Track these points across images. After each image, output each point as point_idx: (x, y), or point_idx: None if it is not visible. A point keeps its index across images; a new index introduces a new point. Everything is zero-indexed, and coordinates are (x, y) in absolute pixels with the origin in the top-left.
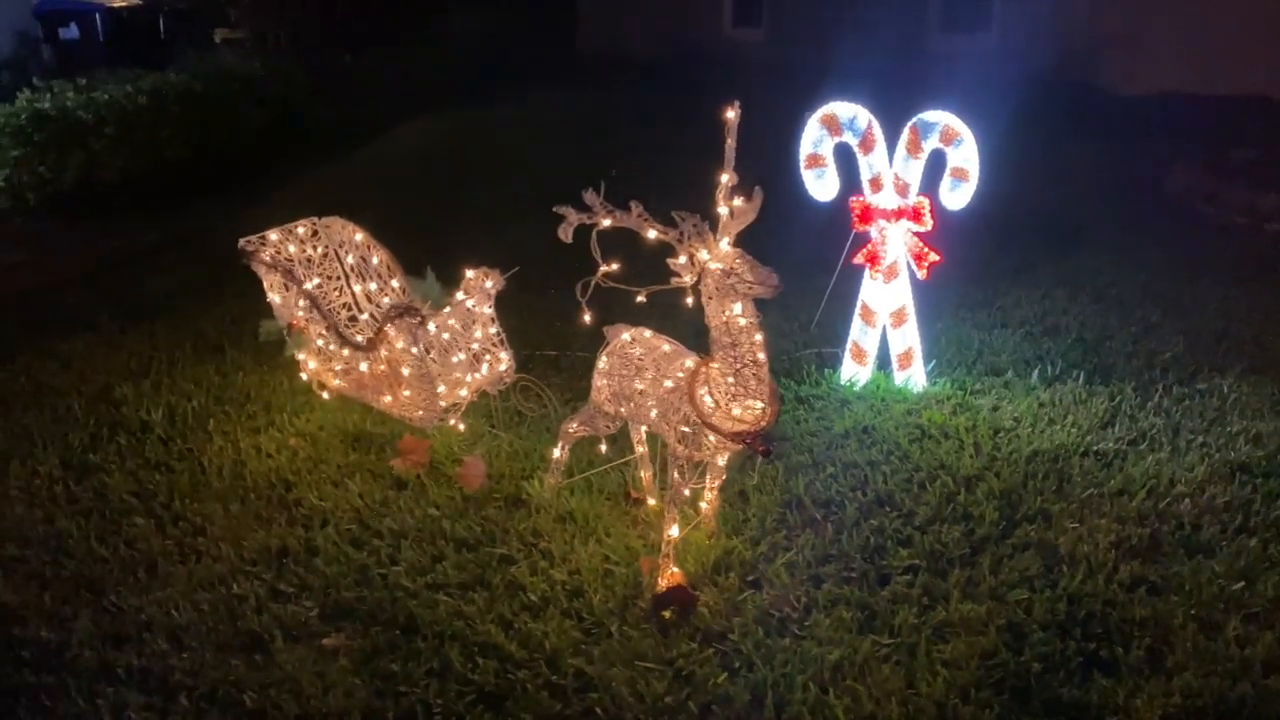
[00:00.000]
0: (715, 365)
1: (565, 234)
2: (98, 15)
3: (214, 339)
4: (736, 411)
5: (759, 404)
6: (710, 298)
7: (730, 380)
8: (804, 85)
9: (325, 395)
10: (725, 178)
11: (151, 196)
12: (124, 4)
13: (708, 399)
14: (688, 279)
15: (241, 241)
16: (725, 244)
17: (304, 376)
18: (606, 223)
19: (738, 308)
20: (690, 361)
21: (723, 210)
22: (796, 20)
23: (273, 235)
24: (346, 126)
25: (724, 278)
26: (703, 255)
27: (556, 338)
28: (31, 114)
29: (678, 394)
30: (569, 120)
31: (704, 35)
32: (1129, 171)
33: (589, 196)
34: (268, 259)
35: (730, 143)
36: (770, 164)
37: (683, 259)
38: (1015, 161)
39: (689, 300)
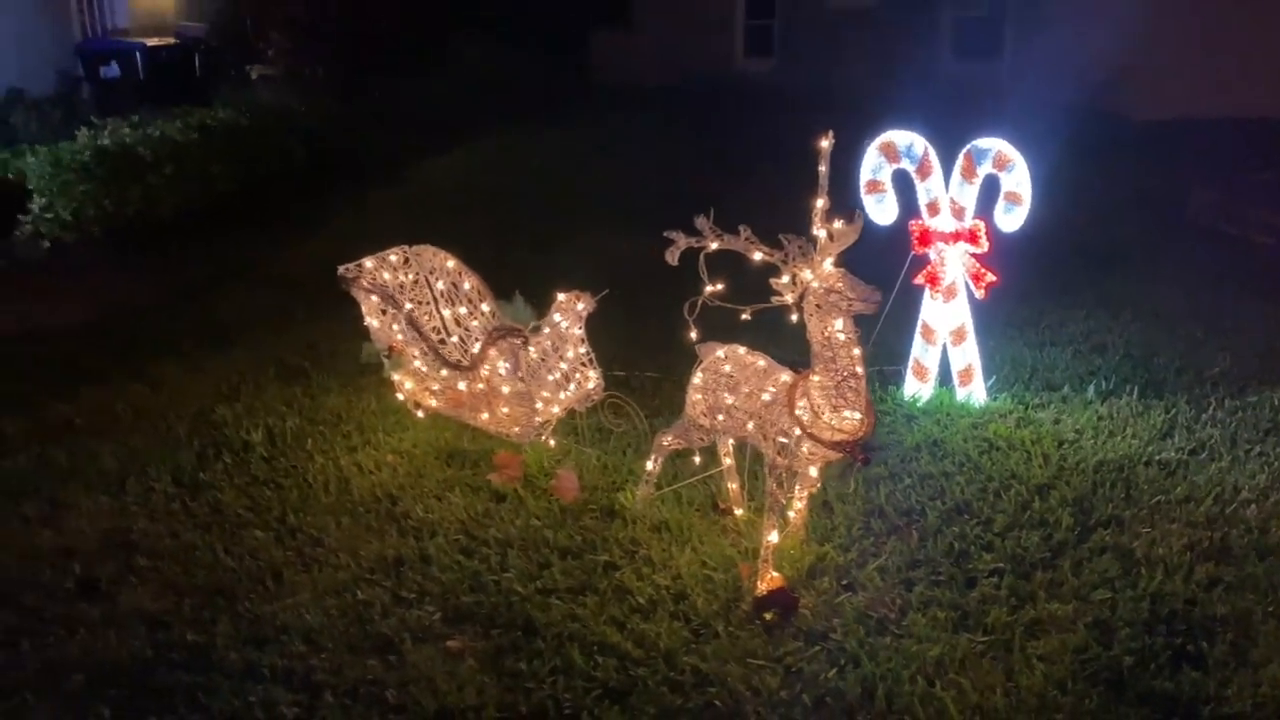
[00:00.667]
0: (814, 378)
1: (672, 257)
2: (138, 53)
3: (294, 363)
4: (835, 422)
5: (857, 414)
6: (812, 314)
7: (830, 392)
8: (816, 113)
9: (420, 414)
10: (821, 202)
11: (204, 228)
12: (161, 43)
13: (807, 411)
14: (789, 297)
15: (341, 269)
16: (828, 264)
17: (400, 396)
18: (714, 246)
19: (839, 324)
20: (785, 376)
21: (819, 232)
22: (807, 49)
23: (368, 263)
24: (382, 156)
25: (827, 295)
26: (806, 274)
27: (630, 356)
28: (94, 150)
29: (776, 406)
30: (594, 147)
31: (715, 65)
32: (1151, 194)
33: (700, 222)
34: (367, 285)
35: (823, 169)
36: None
37: (786, 278)
38: (1041, 185)
39: (793, 318)
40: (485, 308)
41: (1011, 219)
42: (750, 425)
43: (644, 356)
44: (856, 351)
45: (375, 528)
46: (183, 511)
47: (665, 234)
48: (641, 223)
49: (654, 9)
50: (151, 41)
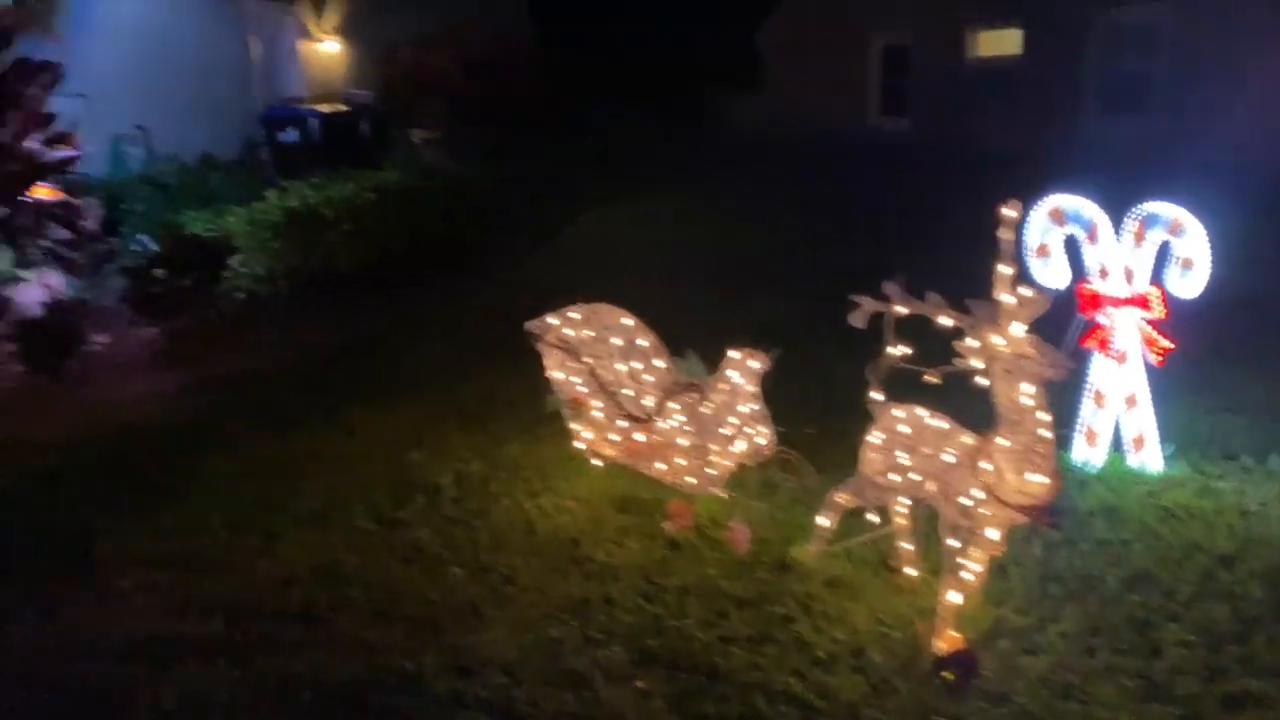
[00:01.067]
0: (1000, 441)
1: (859, 320)
2: (314, 120)
3: (473, 411)
4: (1021, 486)
5: (1045, 479)
6: (999, 378)
7: (1016, 456)
8: (957, 173)
9: (599, 463)
10: (1008, 270)
11: (379, 281)
12: (333, 109)
13: (992, 474)
14: (977, 361)
15: (527, 325)
16: (1018, 329)
17: (578, 445)
18: (904, 311)
19: (1028, 388)
20: (968, 438)
21: (1006, 298)
22: (945, 106)
23: (552, 319)
24: (532, 216)
25: (1016, 360)
26: (996, 339)
27: (789, 413)
28: (284, 210)
29: (960, 469)
30: (730, 207)
31: (848, 124)
32: None
33: (889, 287)
34: (553, 340)
35: (1009, 237)
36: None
37: (973, 342)
38: (1212, 244)
39: (978, 380)
40: (661, 363)
41: (1188, 285)
42: (930, 486)
43: (804, 414)
44: (1045, 416)
45: (560, 569)
46: (384, 547)
47: (851, 297)
48: (785, 283)
49: (785, 69)
50: (324, 108)
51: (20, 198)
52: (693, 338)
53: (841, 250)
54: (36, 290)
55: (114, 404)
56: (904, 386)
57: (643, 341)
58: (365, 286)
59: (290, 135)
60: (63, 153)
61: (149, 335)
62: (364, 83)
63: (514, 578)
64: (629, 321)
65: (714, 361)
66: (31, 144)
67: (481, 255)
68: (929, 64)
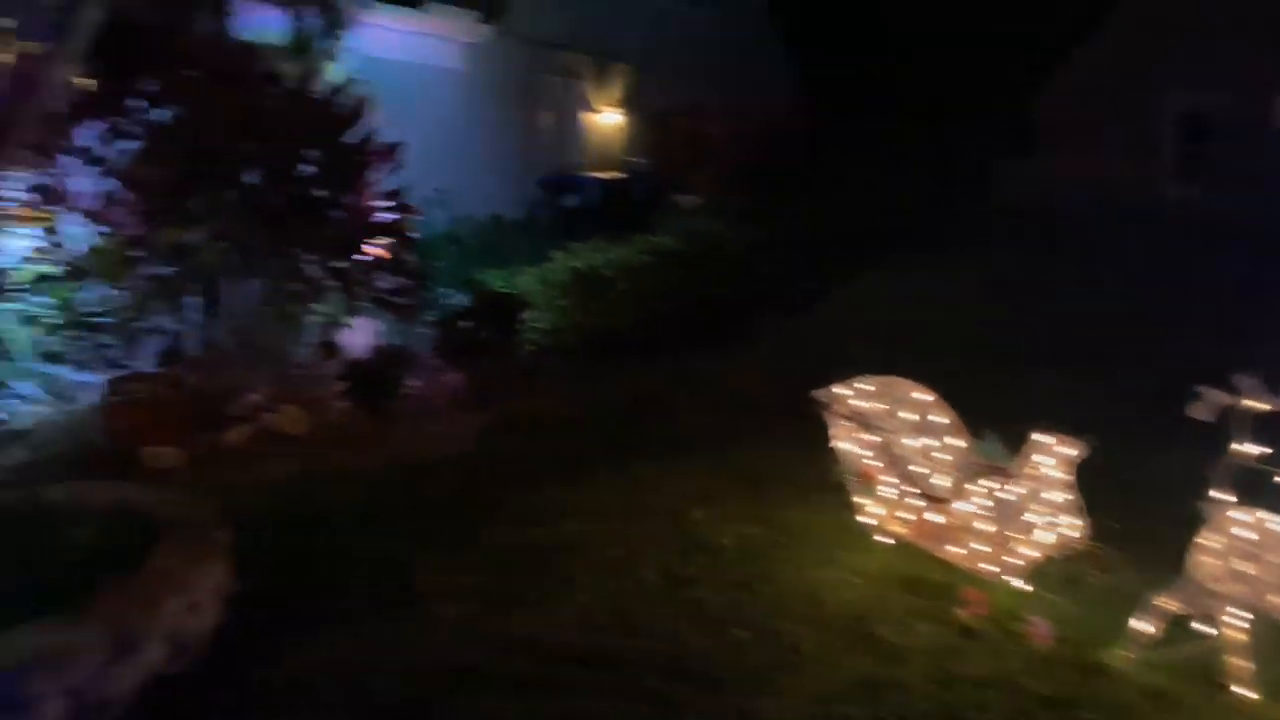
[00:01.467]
0: None
1: (1204, 413)
2: (594, 185)
3: (750, 474)
4: None
5: None
6: None
7: None
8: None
9: (886, 539)
10: None
11: (651, 341)
12: (610, 176)
13: None
14: None
15: (815, 393)
16: None
17: (865, 520)
18: (1266, 407)
19: None
20: None
21: None
22: (1253, 174)
23: (841, 389)
24: (797, 281)
25: None
26: None
27: (1091, 503)
28: (570, 270)
29: None
30: (1007, 278)
31: (1138, 192)
32: None
33: (1243, 380)
34: (843, 411)
35: None
36: None
37: None
38: None
39: None
40: (958, 443)
41: None
42: (1274, 598)
43: (1105, 506)
44: None
45: (847, 644)
46: (672, 602)
47: (1198, 389)
48: (1074, 363)
49: (1066, 133)
50: (602, 174)
51: (358, 253)
52: (977, 415)
53: (1141, 331)
54: (363, 335)
55: (427, 441)
56: (1243, 487)
57: (938, 418)
58: (639, 344)
59: (571, 200)
60: (396, 215)
61: (454, 380)
62: (639, 150)
63: (799, 647)
64: (924, 396)
65: (1010, 443)
66: (371, 205)
67: (749, 318)
68: (1235, 129)
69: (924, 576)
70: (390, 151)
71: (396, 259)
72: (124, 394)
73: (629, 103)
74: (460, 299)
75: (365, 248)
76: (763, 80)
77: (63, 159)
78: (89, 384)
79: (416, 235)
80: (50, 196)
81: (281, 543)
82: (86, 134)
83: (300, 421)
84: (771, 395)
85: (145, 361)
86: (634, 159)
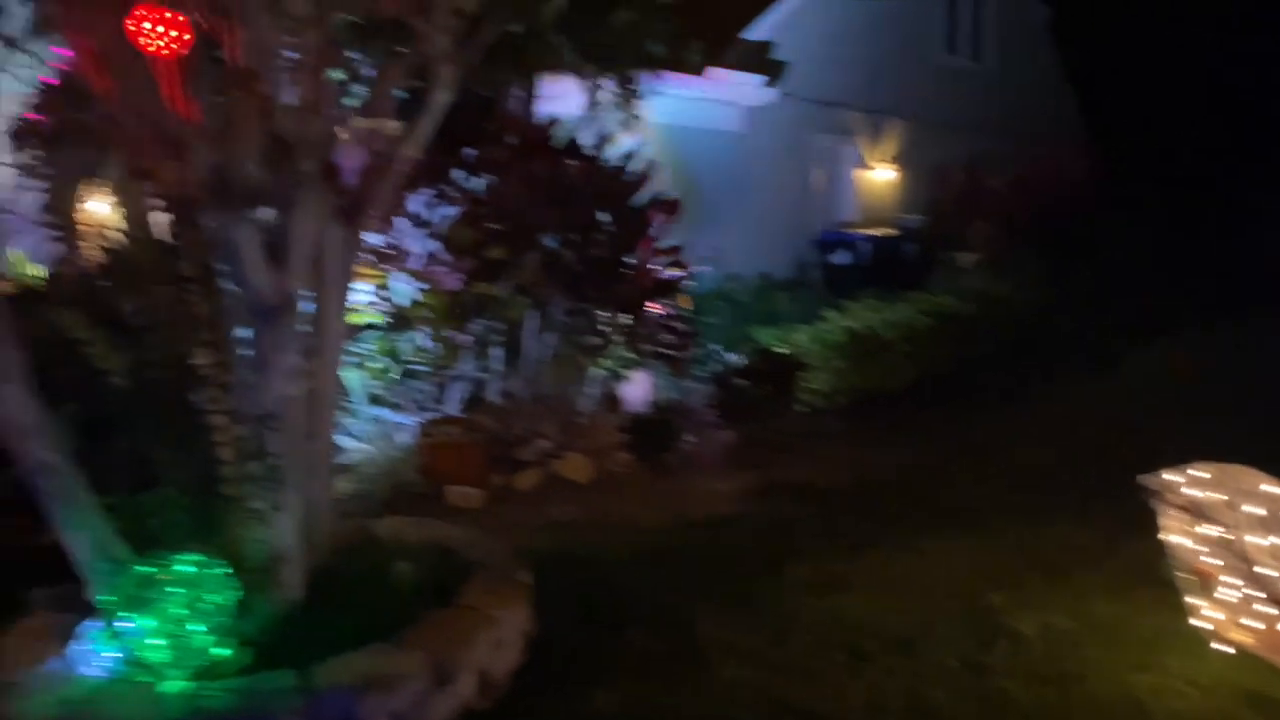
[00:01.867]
0: None
1: None
2: (866, 244)
3: (1049, 556)
4: None
5: None
6: None
7: None
8: None
9: (1226, 648)
10: None
11: (927, 405)
12: (882, 234)
13: None
14: None
15: (1143, 479)
16: None
17: (1200, 624)
18: None
19: None
20: None
21: None
22: None
23: (1171, 475)
24: (1083, 342)
25: None
26: None
27: None
28: (846, 330)
29: None
30: None
31: None
32: None
33: None
34: (1178, 501)
35: None
36: None
37: None
38: None
39: None
40: None
41: None
42: None
43: None
44: None
45: None
46: (971, 690)
47: None
48: None
49: None
50: (875, 231)
51: (643, 309)
52: None
53: None
54: (639, 388)
55: (701, 496)
56: None
57: None
58: (915, 408)
59: (842, 257)
60: (676, 273)
61: (727, 438)
62: (913, 206)
63: None
64: (1273, 489)
65: None
66: (654, 264)
67: (1034, 382)
68: None
69: (1273, 695)
70: (672, 208)
71: (673, 315)
72: (434, 436)
73: (903, 157)
74: (730, 357)
75: (648, 303)
76: (1045, 133)
77: (397, 222)
78: (404, 425)
79: (692, 292)
80: (387, 256)
81: (569, 587)
82: (416, 200)
83: (584, 469)
84: (1067, 468)
85: (451, 406)
86: (907, 215)
